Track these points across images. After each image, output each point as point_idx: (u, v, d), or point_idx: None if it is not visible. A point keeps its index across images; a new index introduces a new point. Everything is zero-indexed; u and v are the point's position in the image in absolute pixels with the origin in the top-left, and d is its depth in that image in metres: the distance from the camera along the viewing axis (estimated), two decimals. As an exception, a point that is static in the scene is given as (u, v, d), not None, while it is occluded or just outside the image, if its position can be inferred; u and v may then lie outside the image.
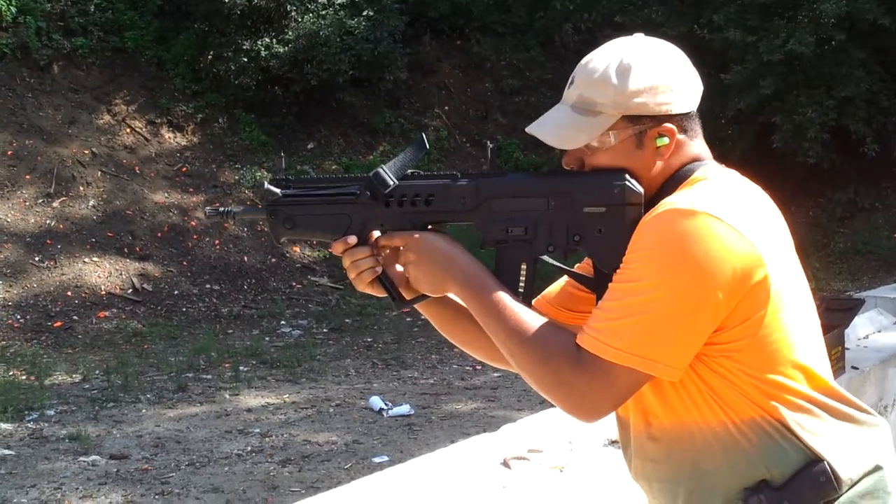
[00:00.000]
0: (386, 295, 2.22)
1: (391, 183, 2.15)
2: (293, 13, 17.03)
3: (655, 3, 17.50)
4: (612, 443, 4.53)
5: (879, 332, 7.00)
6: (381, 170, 2.15)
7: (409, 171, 2.19)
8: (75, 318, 13.02)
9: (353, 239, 2.17)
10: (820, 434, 1.95)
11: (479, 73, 19.88)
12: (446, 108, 19.22)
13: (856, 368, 5.86)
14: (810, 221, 16.66)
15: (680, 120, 2.05)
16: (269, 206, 2.23)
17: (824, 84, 16.23)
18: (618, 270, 1.98)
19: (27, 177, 14.45)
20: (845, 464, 1.96)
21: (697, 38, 16.37)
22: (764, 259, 1.90)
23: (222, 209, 2.34)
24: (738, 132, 16.82)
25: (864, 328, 6.85)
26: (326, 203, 2.21)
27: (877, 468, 2.00)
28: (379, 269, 2.19)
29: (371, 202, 2.18)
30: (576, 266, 2.30)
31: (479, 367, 11.14)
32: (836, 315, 5.67)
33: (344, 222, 2.20)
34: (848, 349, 5.82)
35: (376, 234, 2.19)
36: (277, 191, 2.22)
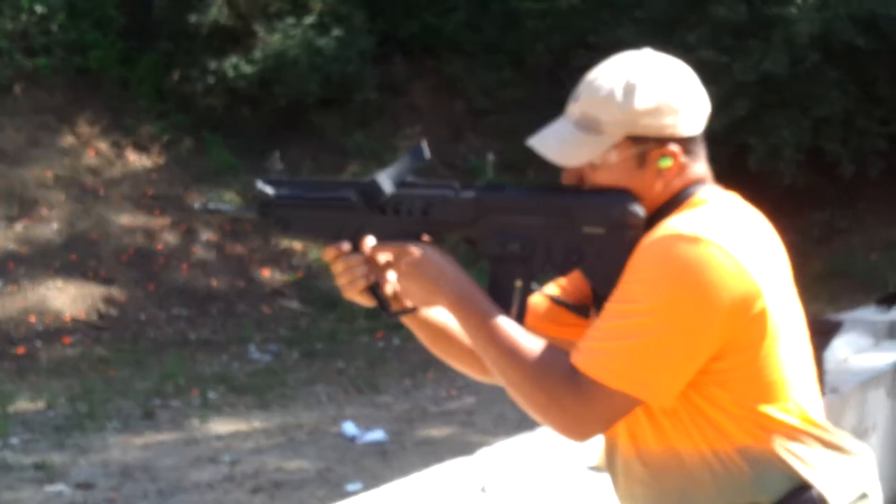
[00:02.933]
0: (374, 304, 2.18)
1: (388, 191, 2.12)
2: (260, 33, 16.97)
3: (627, 23, 17.53)
4: (591, 469, 4.49)
5: (858, 354, 7.19)
6: (378, 176, 2.13)
7: (407, 178, 2.15)
8: (38, 344, 12.83)
9: (346, 246, 2.14)
10: (809, 461, 1.98)
11: (450, 94, 19.88)
12: (417, 128, 19.17)
13: (835, 391, 5.91)
14: (787, 243, 16.05)
15: (685, 142, 2.07)
16: (262, 206, 2.19)
17: (799, 104, 16.30)
18: (616, 290, 1.98)
19: (-12, 199, 14.27)
20: (833, 491, 1.99)
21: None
22: (763, 291, 1.93)
23: (213, 206, 2.39)
24: (712, 153, 16.43)
25: (843, 351, 6.98)
26: (321, 207, 2.17)
27: (863, 496, 2.04)
28: (372, 278, 2.15)
29: (366, 209, 2.14)
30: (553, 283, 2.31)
31: (453, 393, 11.14)
32: (814, 338, 5.60)
33: (337, 227, 2.16)
34: (827, 372, 5.84)
35: (369, 241, 2.14)
36: (270, 191, 2.18)
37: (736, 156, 16.84)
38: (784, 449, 1.96)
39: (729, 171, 16.79)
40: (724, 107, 16.06)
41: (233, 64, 16.63)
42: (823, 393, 5.54)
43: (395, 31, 19.22)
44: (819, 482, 1.97)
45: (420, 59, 19.90)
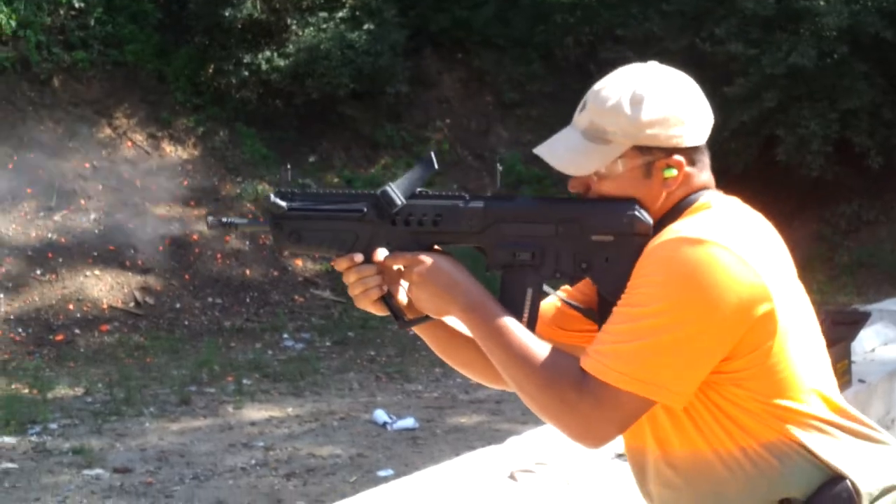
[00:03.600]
0: (387, 314, 2.20)
1: (399, 203, 2.13)
2: (294, 26, 17.03)
3: (656, 16, 17.49)
4: (619, 456, 4.51)
5: (885, 344, 7.05)
6: (388, 188, 2.14)
7: (418, 189, 2.16)
8: (77, 331, 13.00)
9: (359, 257, 2.15)
10: (838, 452, 1.96)
11: (480, 87, 19.89)
12: (447, 121, 19.22)
13: (862, 381, 5.89)
14: (814, 234, 16.64)
15: (689, 152, 2.05)
16: (275, 219, 2.21)
17: (827, 97, 16.25)
18: (623, 295, 1.98)
19: (28, 190, 14.44)
20: (865, 479, 1.96)
21: (699, 51, 16.37)
22: (769, 290, 1.91)
23: (225, 220, 2.31)
24: (741, 145, 16.80)
25: (870, 341, 6.88)
26: (333, 219, 2.19)
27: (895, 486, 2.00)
28: (385, 288, 2.17)
29: (377, 220, 2.15)
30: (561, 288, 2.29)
31: (482, 381, 11.12)
32: (841, 328, 5.66)
33: (350, 239, 2.17)
34: (854, 362, 5.83)
35: (381, 252, 2.16)
36: (283, 204, 2.20)
37: (765, 148, 16.85)
38: (811, 441, 1.95)
39: (758, 164, 16.93)
40: (753, 99, 16.09)
41: (266, 57, 16.72)
42: (850, 383, 5.61)
43: (425, 25, 19.25)
44: (850, 472, 1.95)
45: (450, 52, 19.93)
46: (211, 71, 17.20)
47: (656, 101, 2.02)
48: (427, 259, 2.11)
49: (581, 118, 2.09)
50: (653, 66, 2.10)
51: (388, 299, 2.18)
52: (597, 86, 2.10)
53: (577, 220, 2.08)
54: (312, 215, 2.19)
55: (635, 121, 2.01)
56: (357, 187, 16.45)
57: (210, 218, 2.35)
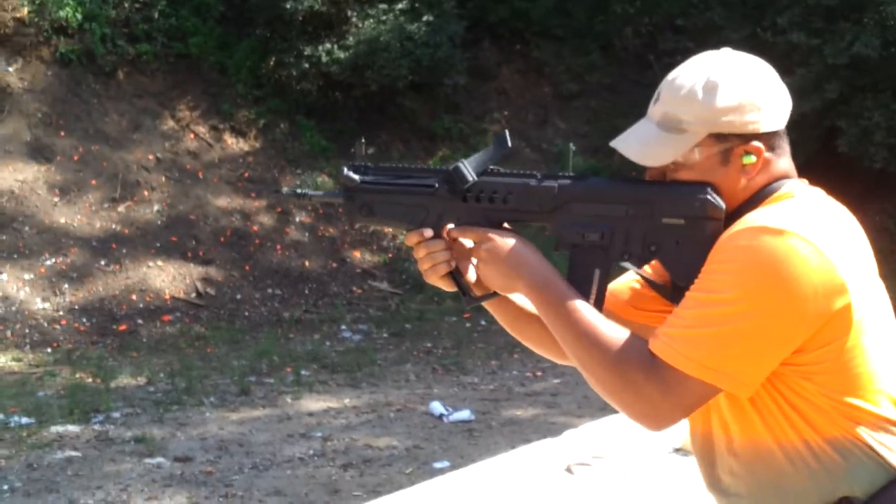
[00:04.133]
0: (455, 290, 2.23)
1: (470, 179, 2.15)
2: (354, 19, 17.07)
3: (717, 5, 17.31)
4: (677, 451, 4.50)
5: None
6: (461, 164, 2.17)
7: (490, 167, 2.18)
8: (140, 321, 13.17)
9: (428, 232, 2.18)
10: None
11: (538, 78, 19.82)
12: (505, 112, 19.19)
13: None
14: (877, 227, 16.35)
15: (767, 138, 2.04)
16: (347, 191, 2.25)
17: (891, 87, 15.98)
18: (697, 279, 1.97)
19: (93, 182, 14.64)
20: None
21: (760, 40, 16.17)
22: (848, 285, 1.89)
23: (300, 191, 2.38)
24: (802, 137, 16.55)
25: None
26: (404, 193, 2.21)
27: None
28: (453, 264, 2.19)
29: (449, 196, 2.18)
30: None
31: (538, 374, 11.14)
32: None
33: (420, 214, 2.20)
34: None
35: (452, 227, 2.19)
36: (356, 177, 2.25)
37: (827, 139, 16.62)
38: (875, 440, 1.92)
39: (820, 155, 16.76)
40: (815, 90, 15.87)
41: (326, 50, 16.77)
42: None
43: (484, 16, 19.20)
44: None
45: (509, 43, 19.89)
46: (272, 63, 17.30)
47: (731, 87, 2.01)
48: (496, 236, 2.13)
49: (655, 109, 2.09)
50: (726, 52, 2.10)
51: (455, 275, 2.21)
52: (670, 75, 2.10)
53: (648, 202, 2.07)
54: (384, 189, 2.23)
55: (710, 108, 2.00)
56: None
57: (285, 189, 2.39)
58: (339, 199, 2.29)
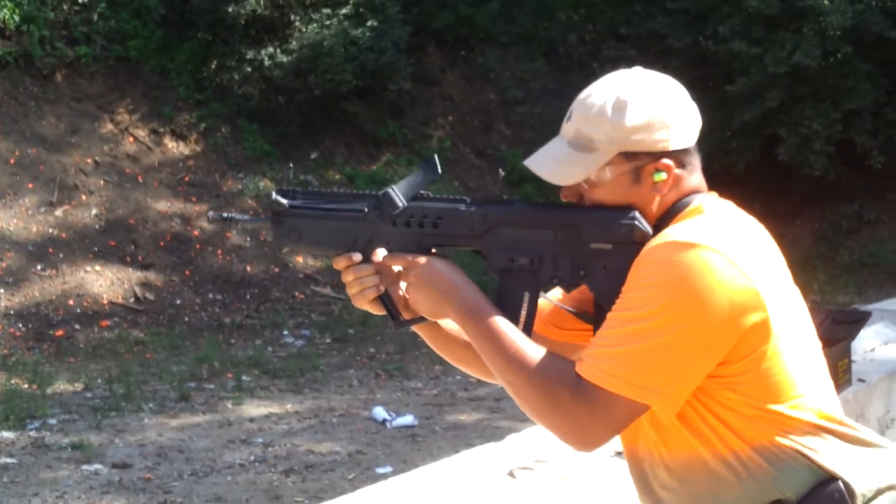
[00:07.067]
0: (384, 314, 2.21)
1: (400, 205, 2.14)
2: (297, 23, 17.03)
3: (660, 14, 17.47)
4: (618, 454, 4.51)
5: (886, 344, 7.05)
6: (391, 190, 2.15)
7: (420, 192, 2.17)
8: (77, 326, 13.00)
9: (357, 256, 2.18)
10: (831, 454, 1.96)
11: (482, 84, 19.90)
12: (450, 118, 19.22)
13: (862, 381, 5.88)
14: (816, 234, 16.63)
15: (678, 155, 2.05)
16: (276, 215, 2.22)
17: (830, 96, 16.24)
18: (618, 299, 1.98)
19: (29, 185, 14.45)
20: (859, 480, 1.96)
21: (702, 49, 16.36)
22: (762, 294, 1.91)
23: (227, 215, 2.34)
24: (743, 144, 16.80)
25: (871, 341, 6.88)
26: (333, 218, 2.20)
27: (891, 487, 2.00)
28: (382, 288, 2.19)
29: (378, 220, 2.17)
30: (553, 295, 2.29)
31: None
32: (842, 328, 5.65)
33: (349, 238, 2.19)
34: (854, 362, 5.81)
35: (380, 252, 2.19)
36: (284, 202, 2.21)
37: (767, 147, 16.84)
38: (800, 444, 1.94)
39: (760, 163, 16.93)
40: (756, 98, 16.08)
41: (269, 53, 16.72)
42: (850, 383, 5.60)
43: (429, 22, 19.23)
44: (843, 471, 1.95)
45: (453, 49, 19.93)
46: (213, 67, 17.22)
47: (640, 106, 2.01)
48: (425, 261, 2.13)
49: (567, 128, 2.09)
50: (637, 71, 2.10)
51: (384, 299, 2.19)
52: (582, 94, 2.10)
53: (576, 227, 2.08)
54: (313, 213, 2.21)
55: (619, 126, 2.01)
56: (359, 184, 16.46)
57: (211, 213, 2.37)
58: (267, 224, 2.26)
